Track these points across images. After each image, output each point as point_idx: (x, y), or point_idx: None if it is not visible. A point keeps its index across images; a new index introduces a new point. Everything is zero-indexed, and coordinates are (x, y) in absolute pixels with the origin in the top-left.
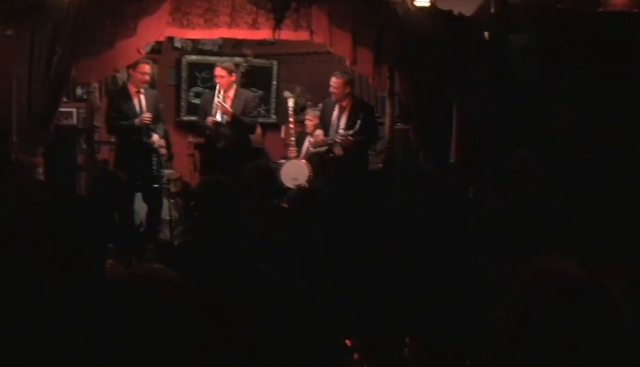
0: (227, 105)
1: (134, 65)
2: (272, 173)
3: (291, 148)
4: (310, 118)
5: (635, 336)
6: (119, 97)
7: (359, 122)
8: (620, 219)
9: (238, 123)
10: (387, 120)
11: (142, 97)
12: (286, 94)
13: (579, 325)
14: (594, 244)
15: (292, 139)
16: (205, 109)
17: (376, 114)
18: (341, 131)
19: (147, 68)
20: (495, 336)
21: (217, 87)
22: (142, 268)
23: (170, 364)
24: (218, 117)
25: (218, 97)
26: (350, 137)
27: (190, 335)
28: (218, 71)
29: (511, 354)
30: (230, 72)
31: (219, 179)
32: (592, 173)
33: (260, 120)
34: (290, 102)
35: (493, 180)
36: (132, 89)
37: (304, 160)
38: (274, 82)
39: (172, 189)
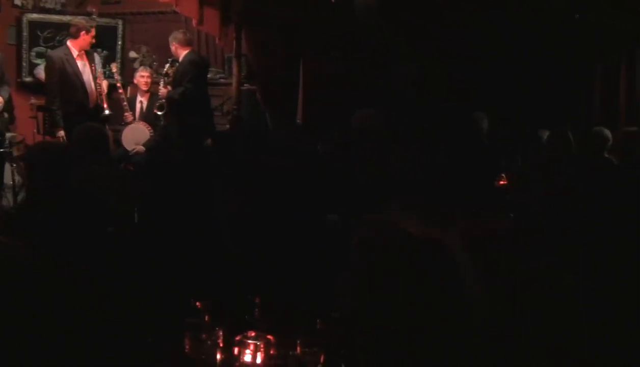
0: (83, 64)
1: None
2: (100, 133)
3: (126, 113)
4: (142, 75)
5: (474, 291)
6: None
7: (167, 66)
8: (461, 174)
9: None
10: (234, 80)
11: None
12: (132, 54)
13: (419, 282)
14: (435, 200)
15: (125, 104)
16: (64, 69)
17: (221, 73)
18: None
19: None
20: (343, 293)
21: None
22: None
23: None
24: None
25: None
26: (163, 88)
27: (20, 295)
28: (94, 32)
29: (357, 311)
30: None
31: (52, 141)
32: (434, 130)
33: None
34: (114, 68)
35: (341, 139)
36: None
37: (142, 122)
38: (119, 42)
39: (15, 152)
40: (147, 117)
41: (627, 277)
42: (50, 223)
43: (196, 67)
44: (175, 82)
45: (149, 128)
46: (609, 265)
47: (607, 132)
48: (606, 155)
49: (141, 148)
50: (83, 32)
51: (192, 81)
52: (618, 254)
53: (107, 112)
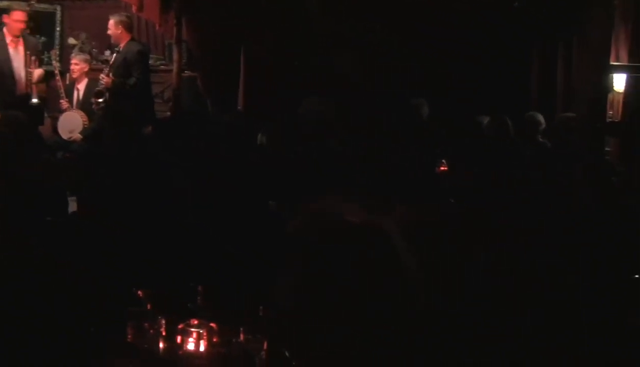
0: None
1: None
2: (17, 122)
3: (62, 100)
4: (77, 62)
5: (414, 278)
6: None
7: (113, 55)
8: (401, 161)
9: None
10: (174, 67)
11: None
12: (71, 40)
13: (360, 270)
14: (374, 187)
15: (61, 91)
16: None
17: (161, 59)
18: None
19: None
20: (282, 281)
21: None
22: None
23: None
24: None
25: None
26: (106, 77)
27: None
28: (21, 16)
29: (295, 299)
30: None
31: None
32: (376, 115)
33: (44, 68)
34: (54, 55)
35: (287, 127)
36: None
37: (76, 111)
38: (58, 29)
39: None
40: (85, 104)
41: (559, 255)
42: None
43: (144, 57)
44: (123, 71)
45: (83, 116)
46: (542, 245)
47: (540, 117)
48: (540, 139)
49: (78, 136)
50: (5, 15)
51: (143, 72)
52: (552, 235)
53: (35, 100)
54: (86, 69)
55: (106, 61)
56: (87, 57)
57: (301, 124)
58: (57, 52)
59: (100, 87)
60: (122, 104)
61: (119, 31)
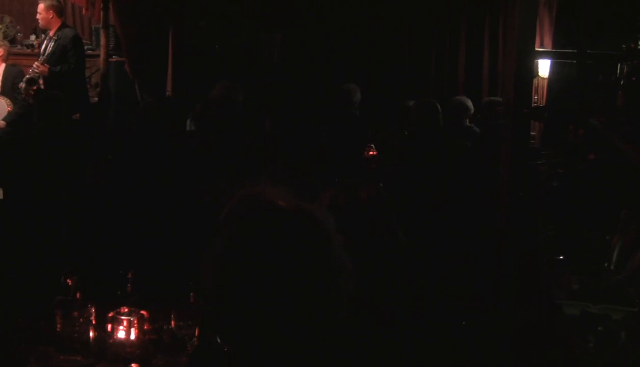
0: None
1: None
2: None
3: None
4: None
5: (346, 265)
6: None
7: (44, 42)
8: (331, 146)
9: None
10: (102, 52)
11: None
12: None
13: (290, 257)
14: (304, 171)
15: None
16: None
17: (88, 44)
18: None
19: None
20: (207, 266)
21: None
22: None
23: None
24: None
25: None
26: (41, 66)
27: None
28: None
29: (221, 286)
30: None
31: None
32: (301, 99)
33: None
34: None
35: (206, 110)
36: None
37: (2, 97)
38: None
39: None
40: (4, 90)
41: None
42: None
43: (80, 43)
44: (58, 58)
45: (8, 103)
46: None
47: (468, 102)
48: (468, 124)
49: (1, 123)
50: None
51: (78, 59)
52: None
53: None
54: (0, 53)
55: (31, 46)
56: (3, 42)
57: (212, 109)
58: None
59: (32, 75)
60: (56, 91)
61: (50, 16)
